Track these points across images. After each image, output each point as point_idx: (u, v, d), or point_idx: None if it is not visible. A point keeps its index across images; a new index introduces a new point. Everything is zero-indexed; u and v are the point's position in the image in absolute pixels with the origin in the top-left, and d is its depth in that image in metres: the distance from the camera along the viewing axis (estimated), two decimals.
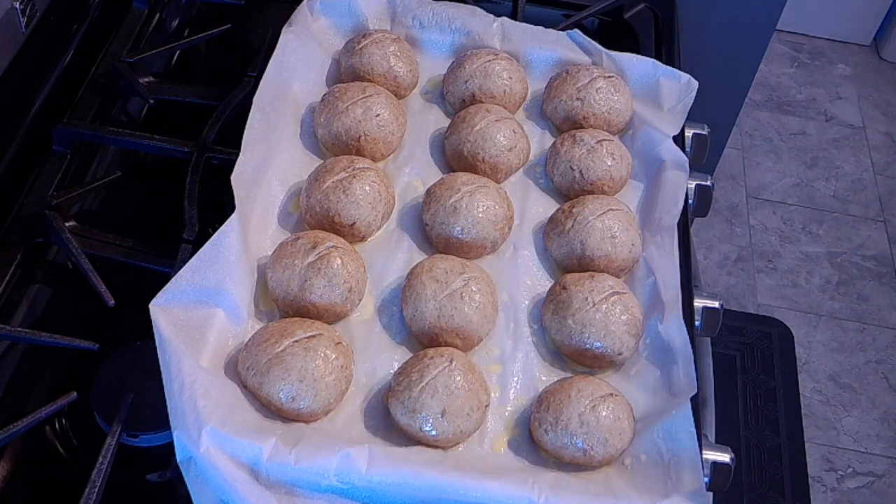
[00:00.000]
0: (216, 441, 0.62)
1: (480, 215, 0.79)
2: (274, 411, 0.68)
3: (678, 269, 0.79)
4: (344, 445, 0.64)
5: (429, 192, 0.83)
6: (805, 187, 2.30)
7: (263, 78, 0.87)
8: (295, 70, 0.91)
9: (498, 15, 1.00)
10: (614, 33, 1.11)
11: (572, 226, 0.80)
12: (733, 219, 2.18)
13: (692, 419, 0.67)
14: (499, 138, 0.86)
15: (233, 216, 0.74)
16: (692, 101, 0.94)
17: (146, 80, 0.97)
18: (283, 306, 0.74)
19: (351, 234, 0.80)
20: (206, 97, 0.95)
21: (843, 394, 1.90)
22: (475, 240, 0.80)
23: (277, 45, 0.91)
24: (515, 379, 0.74)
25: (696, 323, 0.82)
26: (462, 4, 1.02)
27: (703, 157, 0.99)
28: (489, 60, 0.93)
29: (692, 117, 0.95)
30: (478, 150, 0.86)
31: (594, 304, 0.74)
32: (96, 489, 0.64)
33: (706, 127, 0.99)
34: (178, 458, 0.63)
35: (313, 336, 0.69)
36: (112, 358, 0.73)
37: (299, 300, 0.73)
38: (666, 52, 1.08)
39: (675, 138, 0.90)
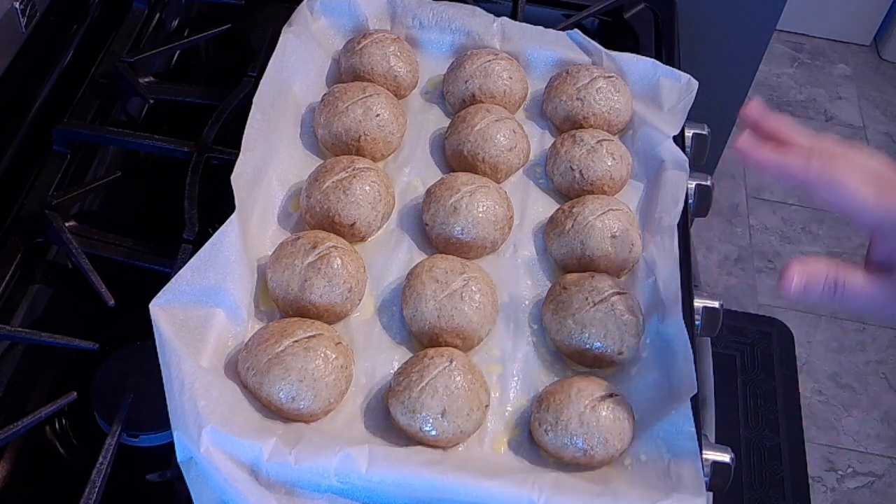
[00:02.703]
0: (216, 441, 0.62)
1: (480, 215, 0.79)
2: (274, 411, 0.68)
3: (678, 269, 0.79)
4: (344, 445, 0.64)
5: (429, 192, 0.83)
6: None
7: (263, 78, 0.87)
8: (295, 70, 0.91)
9: (498, 15, 1.00)
10: (614, 33, 1.11)
11: (572, 226, 0.80)
12: (733, 219, 2.18)
13: (692, 419, 0.67)
14: (499, 138, 0.86)
15: (233, 216, 0.74)
16: (692, 101, 0.94)
17: (146, 80, 0.97)
18: (283, 306, 0.74)
19: (351, 234, 0.80)
20: (206, 97, 0.95)
21: (843, 394, 1.90)
22: (475, 240, 0.80)
23: (277, 45, 0.91)
24: (515, 379, 0.74)
25: (696, 323, 0.82)
26: (462, 4, 1.02)
27: (703, 157, 0.99)
28: (489, 60, 0.93)
29: (692, 117, 0.95)
30: (478, 150, 0.86)
31: (594, 304, 0.74)
32: (96, 489, 0.64)
33: (706, 127, 0.98)
34: (179, 458, 0.63)
35: (313, 336, 0.69)
36: (112, 358, 0.73)
37: (299, 300, 0.73)
38: (666, 52, 1.08)
39: (675, 138, 0.90)
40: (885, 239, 0.59)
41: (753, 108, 0.65)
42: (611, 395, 0.69)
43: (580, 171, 0.86)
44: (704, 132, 0.98)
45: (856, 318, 2.02)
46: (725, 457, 0.73)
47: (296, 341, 0.68)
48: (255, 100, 0.85)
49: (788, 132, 0.63)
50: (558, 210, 0.84)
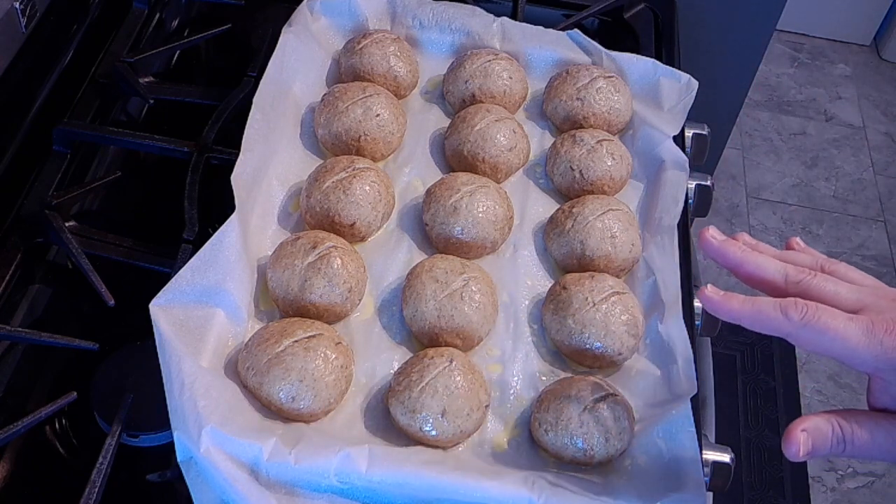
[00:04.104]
0: (216, 441, 0.62)
1: (480, 215, 0.79)
2: (274, 411, 0.68)
3: (678, 269, 0.79)
4: (344, 445, 0.64)
5: (429, 192, 0.83)
6: (805, 187, 2.30)
7: (263, 78, 0.87)
8: (295, 70, 0.91)
9: (498, 15, 1.00)
10: (614, 33, 1.11)
11: (572, 226, 0.80)
12: (733, 219, 2.18)
13: (692, 419, 0.67)
14: (499, 138, 0.86)
15: (233, 216, 0.74)
16: (692, 101, 0.94)
17: (146, 80, 0.97)
18: (283, 306, 0.74)
19: (351, 234, 0.80)
20: (206, 97, 0.95)
21: (843, 394, 1.90)
22: (475, 240, 0.80)
23: (277, 45, 0.91)
24: (515, 379, 0.74)
25: (696, 323, 0.82)
26: (462, 4, 1.02)
27: (703, 157, 0.99)
28: (489, 60, 0.93)
29: (692, 117, 0.95)
30: (478, 150, 0.86)
31: (594, 304, 0.74)
32: (96, 489, 0.64)
33: (706, 127, 0.98)
34: (179, 458, 0.63)
35: (313, 336, 0.69)
36: (112, 358, 0.73)
37: (299, 300, 0.73)
38: (666, 52, 1.08)
39: (675, 138, 0.90)
40: (884, 383, 0.54)
41: (710, 237, 0.60)
42: (611, 395, 0.69)
43: (580, 171, 0.86)
44: (704, 132, 0.98)
45: None
46: (725, 457, 0.73)
47: (296, 341, 0.68)
48: (255, 100, 0.85)
49: (755, 250, 0.59)
50: (558, 210, 0.84)
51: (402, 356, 0.74)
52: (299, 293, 0.73)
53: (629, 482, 0.66)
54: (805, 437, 0.53)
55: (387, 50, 0.93)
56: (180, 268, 0.72)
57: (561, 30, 1.01)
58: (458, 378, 0.68)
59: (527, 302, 0.79)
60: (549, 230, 0.83)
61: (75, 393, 0.69)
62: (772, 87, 2.54)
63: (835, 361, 1.98)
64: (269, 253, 0.78)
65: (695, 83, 0.95)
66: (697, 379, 0.70)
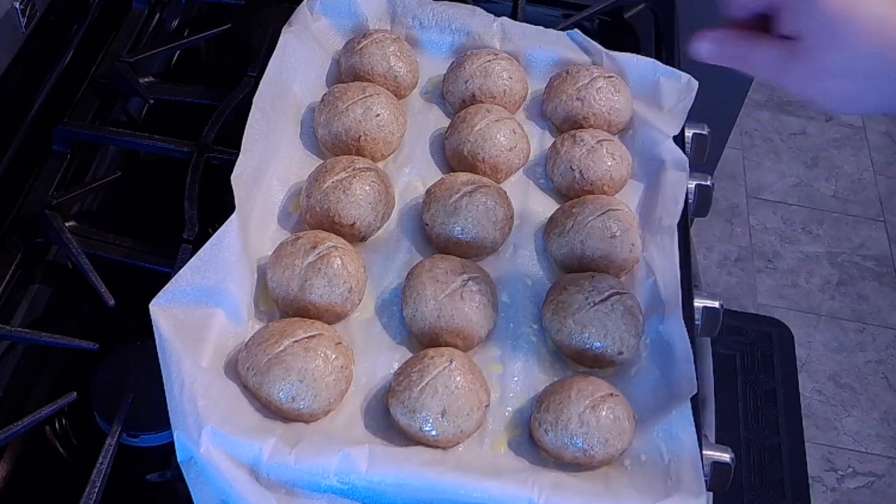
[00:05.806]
0: (216, 441, 0.62)
1: (480, 215, 0.79)
2: (274, 411, 0.68)
3: (678, 270, 0.79)
4: (344, 445, 0.64)
5: (429, 192, 0.83)
6: (805, 187, 2.30)
7: (263, 78, 0.87)
8: (295, 70, 0.91)
9: (498, 15, 1.00)
10: (614, 33, 1.11)
11: (572, 226, 0.80)
12: (733, 219, 2.18)
13: (692, 419, 0.67)
14: (499, 138, 0.86)
15: (233, 216, 0.74)
16: (692, 101, 0.94)
17: (146, 80, 0.97)
18: (283, 306, 0.74)
19: (351, 234, 0.80)
20: (206, 97, 0.95)
21: (843, 394, 1.90)
22: (475, 240, 0.80)
23: (277, 45, 0.91)
24: (515, 379, 0.74)
25: (696, 323, 0.82)
26: (462, 4, 1.01)
27: (703, 157, 0.99)
28: (489, 60, 0.93)
29: (692, 117, 0.95)
30: (478, 150, 0.86)
31: (594, 304, 0.74)
32: (96, 489, 0.64)
33: (706, 127, 0.98)
34: (179, 458, 0.63)
35: (313, 336, 0.69)
36: (112, 358, 0.73)
37: (299, 300, 0.73)
38: (666, 52, 1.08)
39: (675, 138, 0.90)
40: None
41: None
42: (611, 395, 0.69)
43: (580, 171, 0.86)
44: (704, 132, 0.98)
45: (855, 318, 2.02)
46: (725, 457, 0.73)
47: (296, 341, 0.68)
48: (255, 100, 0.85)
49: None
50: (558, 210, 0.84)
51: (402, 356, 0.74)
52: (299, 293, 0.73)
53: (629, 482, 0.66)
54: (712, 39, 0.59)
55: (387, 50, 0.93)
56: (180, 268, 0.72)
57: (561, 30, 1.01)
58: (458, 378, 0.68)
59: (527, 302, 0.79)
60: (549, 230, 0.83)
61: (75, 393, 0.69)
62: (772, 86, 2.54)
63: (835, 361, 1.97)
64: (269, 253, 0.78)
65: (695, 83, 0.95)
66: (697, 379, 0.70)
